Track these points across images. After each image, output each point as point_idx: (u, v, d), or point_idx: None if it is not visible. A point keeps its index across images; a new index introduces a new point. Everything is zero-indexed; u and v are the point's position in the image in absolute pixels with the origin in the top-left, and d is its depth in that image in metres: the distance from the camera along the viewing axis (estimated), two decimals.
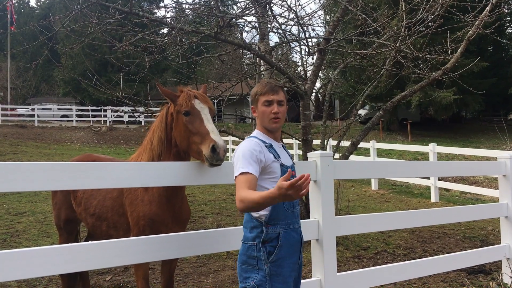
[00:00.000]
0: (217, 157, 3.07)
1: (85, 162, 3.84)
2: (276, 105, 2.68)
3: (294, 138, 9.09)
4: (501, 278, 5.12)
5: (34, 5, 66.27)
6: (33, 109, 35.45)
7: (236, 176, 2.53)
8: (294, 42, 7.73)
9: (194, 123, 3.24)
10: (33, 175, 2.65)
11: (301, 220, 2.89)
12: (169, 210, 3.52)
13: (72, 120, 35.61)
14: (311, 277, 3.82)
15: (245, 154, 2.56)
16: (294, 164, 2.82)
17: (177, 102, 3.37)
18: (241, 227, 3.39)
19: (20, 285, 5.35)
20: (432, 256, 5.91)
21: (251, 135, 2.78)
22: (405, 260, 5.97)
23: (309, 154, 3.91)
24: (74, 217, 4.42)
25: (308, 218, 3.82)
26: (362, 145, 13.81)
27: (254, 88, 2.80)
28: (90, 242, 2.92)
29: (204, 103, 3.34)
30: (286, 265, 2.58)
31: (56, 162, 2.78)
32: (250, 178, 2.48)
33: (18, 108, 38.39)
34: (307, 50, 6.80)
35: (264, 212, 2.60)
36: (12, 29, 40.97)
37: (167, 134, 3.51)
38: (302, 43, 6.97)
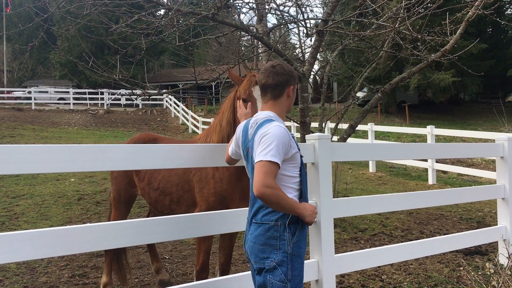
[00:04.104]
0: None
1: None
2: None
3: (292, 121, 9.07)
4: (498, 259, 5.16)
5: None
6: (29, 92, 35.17)
7: (266, 161, 2.48)
8: (292, 24, 7.67)
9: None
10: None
11: None
12: (238, 187, 3.75)
13: (69, 103, 35.39)
14: (308, 258, 3.84)
15: (279, 143, 2.51)
16: None
17: (239, 88, 3.50)
18: (239, 209, 3.40)
19: (19, 267, 5.39)
20: (429, 237, 5.96)
21: (269, 117, 2.69)
22: (402, 242, 6.02)
23: (307, 136, 3.90)
24: (134, 192, 4.63)
25: None
26: (360, 127, 13.75)
27: (291, 70, 2.76)
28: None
29: None
30: (303, 246, 2.67)
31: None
32: (276, 171, 2.52)
33: (15, 91, 38.14)
34: (305, 31, 6.74)
35: (293, 196, 2.64)
36: (8, 10, 40.39)
37: (234, 116, 3.66)
38: (300, 24, 6.90)
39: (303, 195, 2.70)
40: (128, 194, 4.66)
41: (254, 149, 2.62)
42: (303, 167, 2.74)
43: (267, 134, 2.54)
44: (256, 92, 3.32)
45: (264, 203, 2.58)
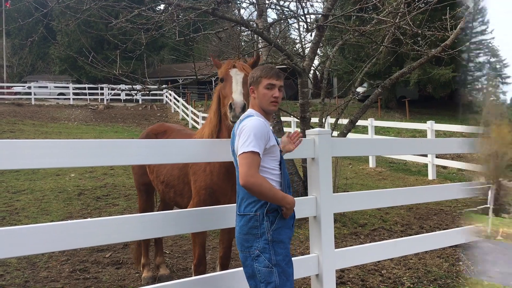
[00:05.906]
0: (233, 113, 3.26)
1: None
2: (277, 90, 2.87)
3: (292, 116, 9.08)
4: None
5: None
6: (29, 87, 35.11)
7: (248, 152, 2.64)
8: (292, 19, 7.66)
9: (225, 87, 3.48)
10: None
11: (299, 198, 3.20)
12: (228, 180, 3.72)
13: (69, 98, 35.34)
14: (309, 253, 3.86)
15: (257, 134, 2.68)
16: None
17: (219, 70, 3.65)
18: (233, 205, 3.44)
19: (20, 262, 5.40)
20: (429, 232, 5.97)
21: (249, 114, 2.88)
22: (402, 237, 6.03)
23: (307, 131, 3.90)
24: (149, 181, 4.81)
25: (306, 195, 3.83)
26: (360, 123, 13.79)
27: (255, 71, 2.93)
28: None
29: (241, 70, 3.50)
30: (284, 234, 2.79)
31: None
32: (258, 160, 2.67)
33: (15, 86, 38.08)
34: (305, 26, 6.73)
35: None
36: (7, 5, 40.26)
37: (218, 107, 3.71)
38: (300, 19, 6.89)
39: (283, 188, 2.83)
40: (145, 183, 4.91)
41: (235, 143, 2.78)
42: (283, 161, 2.89)
43: (245, 127, 2.72)
44: (233, 72, 3.48)
45: (246, 195, 2.77)
